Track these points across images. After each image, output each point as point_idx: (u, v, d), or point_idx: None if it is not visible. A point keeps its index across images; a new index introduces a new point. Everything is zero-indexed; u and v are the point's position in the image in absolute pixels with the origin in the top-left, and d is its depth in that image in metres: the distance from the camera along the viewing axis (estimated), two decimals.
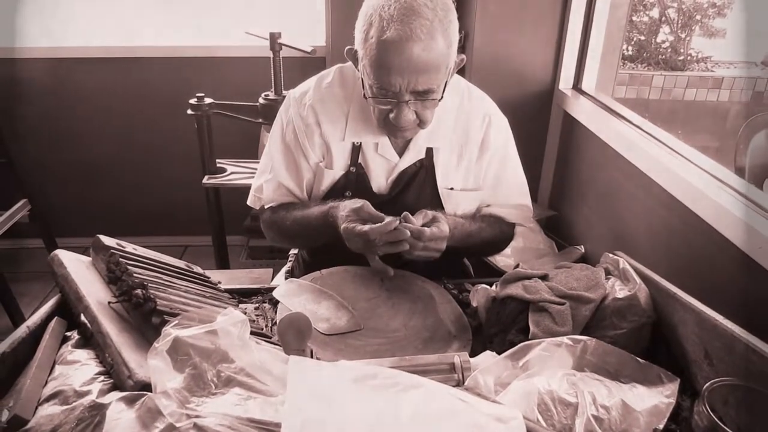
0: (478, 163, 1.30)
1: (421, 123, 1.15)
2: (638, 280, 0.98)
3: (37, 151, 2.78)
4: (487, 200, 1.34)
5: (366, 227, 1.07)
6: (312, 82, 1.29)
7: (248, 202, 1.40)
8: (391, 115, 1.12)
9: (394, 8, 1.03)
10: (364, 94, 1.13)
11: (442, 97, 1.13)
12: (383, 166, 1.26)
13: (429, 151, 1.26)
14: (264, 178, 1.34)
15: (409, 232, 1.05)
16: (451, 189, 1.28)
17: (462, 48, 1.11)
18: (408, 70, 1.04)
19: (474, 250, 1.39)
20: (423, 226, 1.10)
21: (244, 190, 1.40)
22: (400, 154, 1.26)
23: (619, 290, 0.97)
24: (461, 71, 1.21)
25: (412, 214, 1.10)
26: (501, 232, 1.35)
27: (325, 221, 1.19)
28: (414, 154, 1.25)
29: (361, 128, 1.24)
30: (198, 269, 1.14)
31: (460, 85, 1.30)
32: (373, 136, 1.24)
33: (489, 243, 1.34)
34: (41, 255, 2.74)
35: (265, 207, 1.35)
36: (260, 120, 2.24)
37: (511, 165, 1.35)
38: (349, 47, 1.16)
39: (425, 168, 1.26)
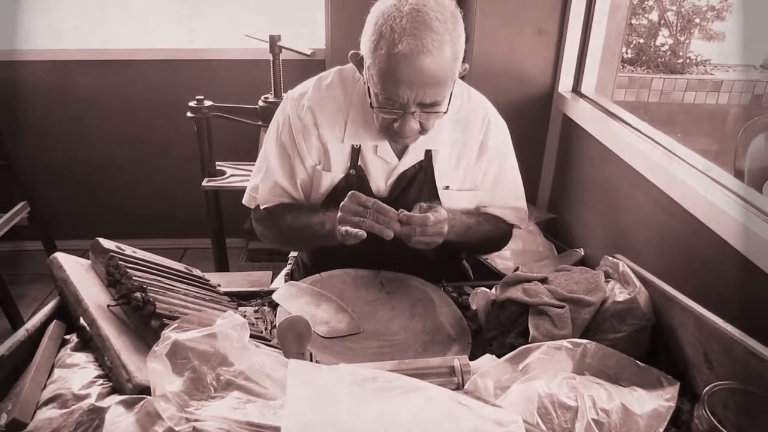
0: (476, 165, 1.30)
1: (423, 131, 1.16)
2: (638, 283, 0.98)
3: (37, 153, 2.77)
4: (484, 201, 1.34)
5: (371, 200, 1.09)
6: (311, 83, 1.29)
7: (243, 201, 1.40)
8: (396, 125, 1.12)
9: (406, 21, 1.02)
10: (371, 104, 1.13)
11: (447, 111, 1.13)
12: (382, 168, 1.26)
13: (428, 153, 1.26)
14: (259, 178, 1.34)
15: (399, 226, 1.08)
16: (447, 188, 1.28)
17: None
18: (417, 83, 1.04)
19: (474, 246, 1.39)
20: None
21: (244, 192, 1.40)
22: (399, 156, 1.26)
23: (618, 293, 0.97)
24: None
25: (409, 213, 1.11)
26: (499, 229, 1.36)
27: (322, 229, 1.20)
28: (413, 156, 1.25)
29: (361, 131, 1.24)
30: (197, 272, 1.14)
31: (459, 88, 1.30)
32: (372, 139, 1.24)
33: (488, 238, 1.35)
34: (40, 257, 2.74)
35: (261, 207, 1.35)
36: (260, 122, 2.23)
37: (509, 167, 1.35)
38: (354, 51, 1.15)
39: (424, 170, 1.26)
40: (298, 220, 1.27)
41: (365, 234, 1.07)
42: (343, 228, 1.08)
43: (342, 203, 1.11)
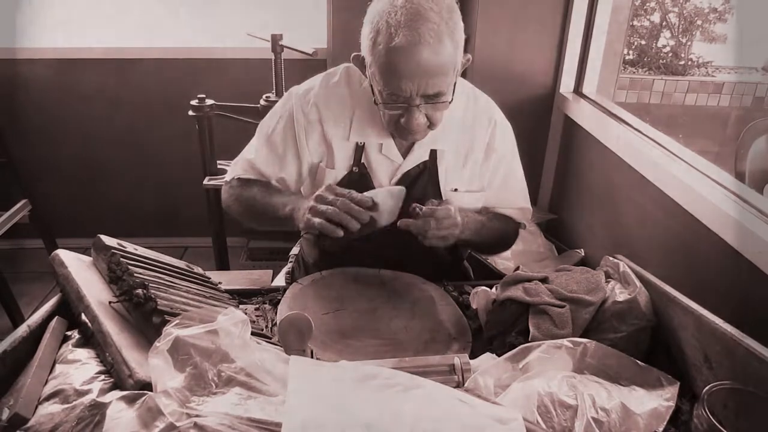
0: (483, 166, 1.30)
1: (431, 125, 1.16)
2: (638, 283, 0.98)
3: (38, 151, 2.78)
4: (491, 202, 1.34)
5: (347, 190, 1.08)
6: (318, 80, 1.30)
7: (226, 177, 1.38)
8: (402, 120, 1.12)
9: (400, 14, 1.03)
10: (375, 101, 1.13)
11: (452, 100, 1.13)
12: (387, 167, 1.26)
13: (432, 153, 1.26)
14: (244, 156, 1.35)
15: (368, 216, 1.05)
16: (455, 190, 1.29)
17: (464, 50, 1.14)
18: (418, 74, 1.04)
19: (487, 244, 1.38)
20: None
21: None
22: (404, 155, 1.26)
23: (619, 293, 0.97)
24: (463, 74, 1.21)
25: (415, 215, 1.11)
26: (508, 226, 1.37)
27: (282, 210, 1.19)
28: (418, 156, 1.26)
29: (366, 128, 1.24)
30: (198, 270, 1.15)
31: (465, 89, 1.30)
32: (377, 137, 1.24)
33: (499, 235, 1.35)
34: (41, 255, 2.76)
35: (235, 177, 1.35)
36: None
37: (515, 169, 1.36)
38: (355, 54, 1.16)
39: (428, 170, 1.26)
40: (263, 195, 1.27)
41: (341, 233, 1.04)
42: (316, 220, 1.06)
43: (317, 192, 1.09)
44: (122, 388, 0.73)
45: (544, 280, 1.04)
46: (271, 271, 1.70)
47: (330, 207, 1.05)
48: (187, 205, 2.73)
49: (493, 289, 1.07)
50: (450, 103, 1.13)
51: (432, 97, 1.09)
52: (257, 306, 1.13)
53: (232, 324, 0.74)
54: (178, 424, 0.63)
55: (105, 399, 0.70)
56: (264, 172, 1.32)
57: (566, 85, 2.18)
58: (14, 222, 2.46)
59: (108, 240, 1.00)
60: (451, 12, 1.07)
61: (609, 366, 0.85)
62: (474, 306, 1.09)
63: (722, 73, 3.70)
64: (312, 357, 0.89)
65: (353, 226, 1.05)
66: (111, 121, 2.78)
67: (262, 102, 2.21)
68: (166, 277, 0.99)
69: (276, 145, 1.30)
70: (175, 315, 0.83)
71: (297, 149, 1.28)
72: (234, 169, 1.37)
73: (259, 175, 1.33)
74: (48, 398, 0.73)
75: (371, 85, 1.14)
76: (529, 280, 1.04)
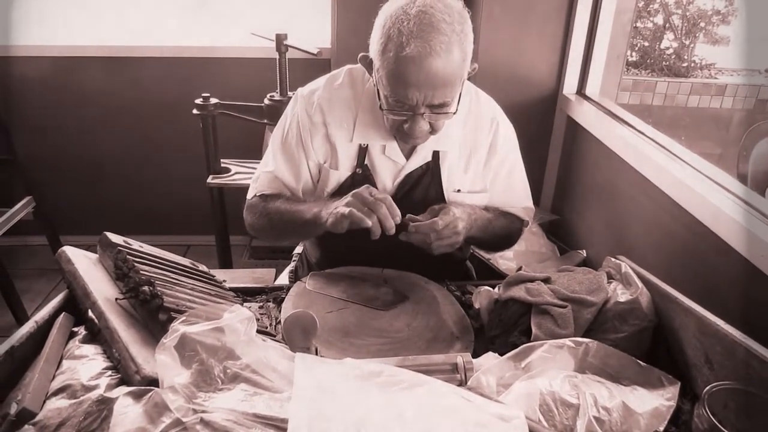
0: (485, 167, 1.31)
1: (433, 131, 1.16)
2: (640, 284, 0.98)
3: (42, 148, 2.79)
4: (494, 202, 1.35)
5: (386, 195, 1.09)
6: (322, 81, 1.30)
7: (248, 196, 1.39)
8: (406, 126, 1.13)
9: (413, 23, 1.03)
10: (380, 106, 1.14)
11: (456, 111, 1.13)
12: (390, 168, 1.27)
13: (435, 154, 1.27)
14: (263, 170, 1.34)
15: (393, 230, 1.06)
16: (458, 191, 1.29)
17: None
18: (426, 85, 1.05)
19: (494, 240, 1.38)
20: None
21: (248, 190, 1.40)
22: (407, 156, 1.27)
23: (621, 294, 0.98)
24: None
25: (418, 216, 1.11)
26: (512, 223, 1.38)
27: (307, 213, 1.19)
28: (421, 157, 1.26)
29: (369, 130, 1.24)
30: (203, 267, 1.15)
31: (468, 89, 1.30)
32: (380, 139, 1.25)
33: (505, 232, 1.36)
34: (45, 252, 2.77)
35: (257, 194, 1.34)
36: (265, 121, 2.25)
37: (517, 170, 1.36)
38: (363, 54, 1.16)
39: (431, 170, 1.27)
40: (288, 205, 1.26)
41: (371, 227, 1.04)
42: (348, 210, 1.05)
43: (356, 190, 1.09)
44: (129, 384, 0.74)
45: (546, 281, 1.04)
46: (274, 270, 1.71)
47: (371, 212, 1.05)
48: (191, 203, 2.73)
49: (496, 289, 1.08)
50: (454, 113, 1.13)
51: (437, 107, 1.10)
52: (261, 304, 1.13)
53: (238, 321, 0.75)
54: (184, 420, 0.64)
55: (112, 394, 0.71)
56: (286, 181, 1.31)
57: (569, 86, 2.18)
58: (18, 219, 2.47)
59: (114, 237, 1.01)
60: (462, 23, 1.07)
61: (610, 366, 0.85)
62: (476, 305, 1.09)
63: (725, 75, 3.70)
64: (316, 354, 0.90)
65: (388, 230, 1.05)
66: (115, 119, 2.79)
67: (266, 101, 2.21)
68: (172, 275, 1.00)
69: (292, 148, 1.29)
70: (181, 312, 0.83)
71: (305, 150, 1.29)
72: (254, 186, 1.35)
73: (282, 186, 1.31)
74: (55, 393, 0.74)
75: (377, 89, 1.14)
76: (532, 280, 1.05)
